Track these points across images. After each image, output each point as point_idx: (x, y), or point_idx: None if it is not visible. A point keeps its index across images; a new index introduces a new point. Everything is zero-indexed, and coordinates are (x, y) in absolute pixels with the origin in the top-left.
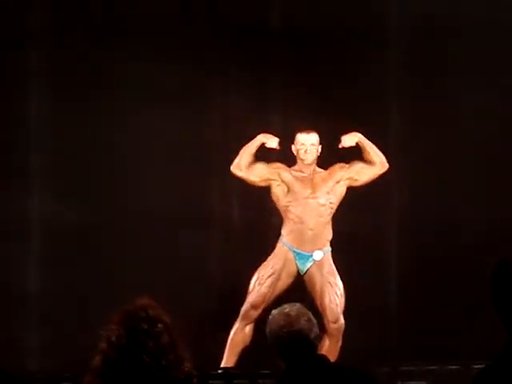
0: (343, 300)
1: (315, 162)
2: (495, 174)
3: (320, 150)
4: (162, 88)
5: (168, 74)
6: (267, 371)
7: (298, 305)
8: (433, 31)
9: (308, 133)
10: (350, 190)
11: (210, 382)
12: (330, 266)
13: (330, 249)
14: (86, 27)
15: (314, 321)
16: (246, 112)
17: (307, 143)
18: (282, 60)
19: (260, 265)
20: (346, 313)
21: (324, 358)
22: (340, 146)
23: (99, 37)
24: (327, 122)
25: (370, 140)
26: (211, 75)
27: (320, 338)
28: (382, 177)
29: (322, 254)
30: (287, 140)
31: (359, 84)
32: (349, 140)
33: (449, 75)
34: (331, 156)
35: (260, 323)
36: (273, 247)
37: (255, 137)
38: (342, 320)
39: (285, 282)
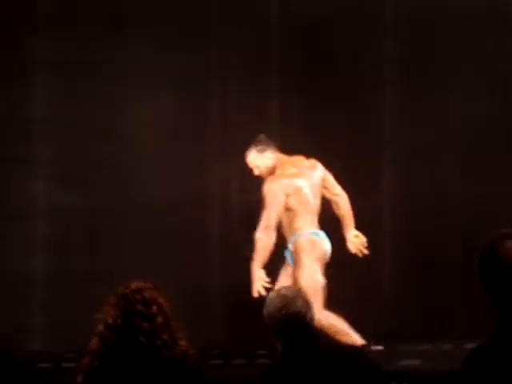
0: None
1: (265, 172)
2: (483, 153)
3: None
4: (163, 75)
5: (168, 61)
6: (265, 351)
7: (294, 287)
8: (424, 21)
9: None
10: (344, 176)
11: (210, 361)
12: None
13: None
14: (86, 14)
15: (310, 303)
16: (245, 99)
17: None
18: (281, 48)
19: None
20: (341, 294)
21: (319, 338)
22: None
23: (100, 25)
24: (323, 109)
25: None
26: (211, 62)
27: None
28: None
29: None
30: (285, 127)
31: (354, 73)
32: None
33: (439, 64)
34: (325, 147)
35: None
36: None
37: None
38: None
39: None
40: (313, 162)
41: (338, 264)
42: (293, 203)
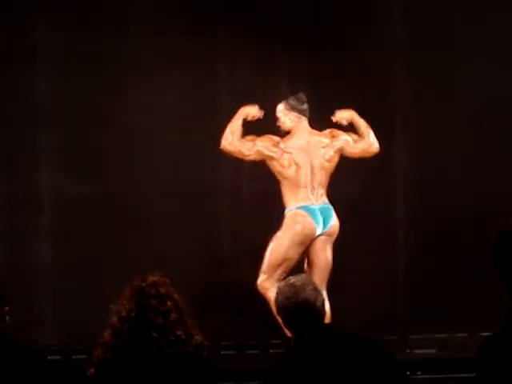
0: (266, 257)
1: (282, 129)
2: (495, 139)
3: (279, 119)
4: (172, 61)
5: (178, 47)
6: (278, 341)
7: (303, 275)
8: (435, 4)
9: None
10: (355, 160)
11: (222, 352)
12: None
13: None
14: (91, 3)
15: (320, 289)
16: (253, 82)
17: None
18: (288, 31)
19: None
20: (354, 282)
21: (331, 326)
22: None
23: (108, 12)
24: (331, 90)
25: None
26: (218, 47)
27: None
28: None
29: None
30: None
31: (363, 57)
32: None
33: (451, 49)
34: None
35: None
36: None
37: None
38: (260, 278)
39: None
40: (335, 132)
41: (351, 250)
42: (285, 175)
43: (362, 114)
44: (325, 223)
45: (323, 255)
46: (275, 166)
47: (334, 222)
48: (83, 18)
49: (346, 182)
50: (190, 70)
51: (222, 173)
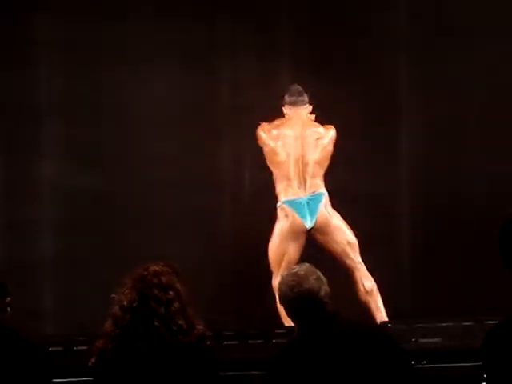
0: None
1: None
2: (504, 125)
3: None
4: (173, 51)
5: (179, 36)
6: (281, 331)
7: (306, 264)
8: None
9: None
10: (361, 151)
11: (225, 342)
12: None
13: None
14: None
15: (324, 279)
16: (256, 74)
17: None
18: (292, 21)
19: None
20: None
21: (336, 315)
22: None
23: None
24: (336, 82)
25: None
26: (220, 37)
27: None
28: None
29: None
30: None
31: (367, 47)
32: None
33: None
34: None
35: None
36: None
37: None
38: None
39: None
40: (328, 130)
41: (356, 238)
42: (275, 163)
43: (365, 108)
44: (312, 216)
45: (334, 241)
46: (268, 153)
47: (320, 214)
48: (83, 8)
49: (348, 175)
50: (190, 61)
51: (223, 160)
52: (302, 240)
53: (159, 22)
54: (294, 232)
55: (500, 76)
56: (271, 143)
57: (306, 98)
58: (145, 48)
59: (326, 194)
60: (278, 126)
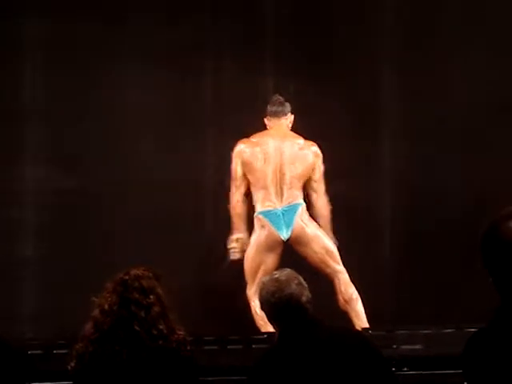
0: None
1: None
2: (486, 130)
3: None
4: (157, 52)
5: (163, 38)
6: (262, 336)
7: (288, 270)
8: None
9: None
10: (342, 155)
11: (205, 347)
12: None
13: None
14: None
15: (305, 285)
16: (238, 75)
17: None
18: (275, 23)
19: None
20: None
21: (317, 321)
22: None
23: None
24: (319, 86)
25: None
26: (204, 39)
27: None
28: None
29: None
30: None
31: (351, 51)
32: None
33: (439, 37)
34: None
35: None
36: None
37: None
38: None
39: None
40: (310, 144)
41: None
42: (252, 171)
43: (349, 111)
44: (287, 227)
45: (313, 251)
46: (245, 162)
47: (296, 225)
48: (67, 9)
49: (333, 180)
50: (176, 60)
51: (207, 163)
52: (279, 250)
53: (143, 23)
54: (271, 243)
55: (481, 84)
56: (249, 151)
57: (287, 108)
58: (129, 50)
59: (304, 204)
60: (257, 136)
